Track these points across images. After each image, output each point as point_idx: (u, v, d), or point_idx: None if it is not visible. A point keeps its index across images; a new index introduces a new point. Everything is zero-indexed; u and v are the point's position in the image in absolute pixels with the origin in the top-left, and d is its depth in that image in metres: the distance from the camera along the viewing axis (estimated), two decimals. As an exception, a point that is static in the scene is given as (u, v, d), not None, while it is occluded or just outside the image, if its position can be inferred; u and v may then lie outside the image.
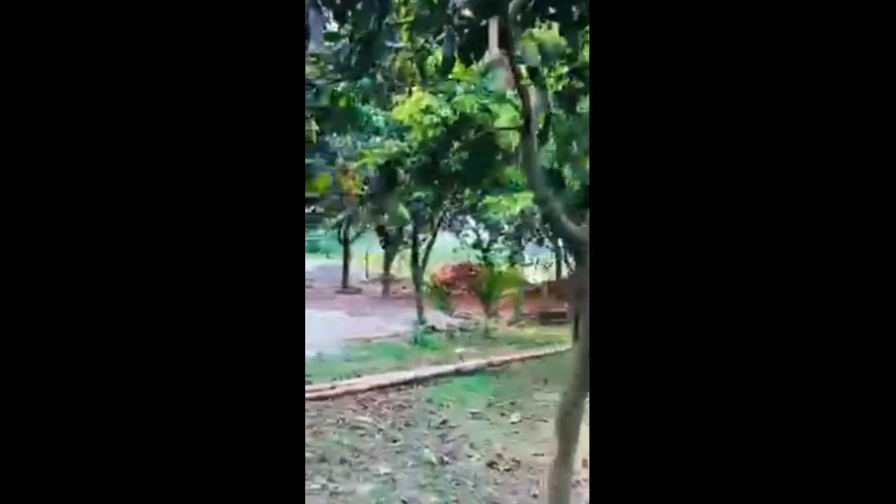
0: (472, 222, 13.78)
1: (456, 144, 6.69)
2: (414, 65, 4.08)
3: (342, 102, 3.82)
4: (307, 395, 5.35)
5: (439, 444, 4.36)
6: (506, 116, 6.72)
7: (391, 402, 5.43)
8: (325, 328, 8.56)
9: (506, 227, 14.58)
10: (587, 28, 2.46)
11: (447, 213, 9.22)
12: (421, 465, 3.93)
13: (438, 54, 3.21)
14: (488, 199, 8.09)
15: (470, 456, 4.13)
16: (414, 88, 6.41)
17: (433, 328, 9.19)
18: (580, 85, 3.15)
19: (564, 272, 12.72)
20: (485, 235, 14.74)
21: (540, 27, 2.89)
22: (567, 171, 5.64)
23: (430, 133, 7.10)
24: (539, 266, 14.30)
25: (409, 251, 11.64)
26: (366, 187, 6.32)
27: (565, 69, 3.28)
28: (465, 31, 2.27)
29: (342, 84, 3.89)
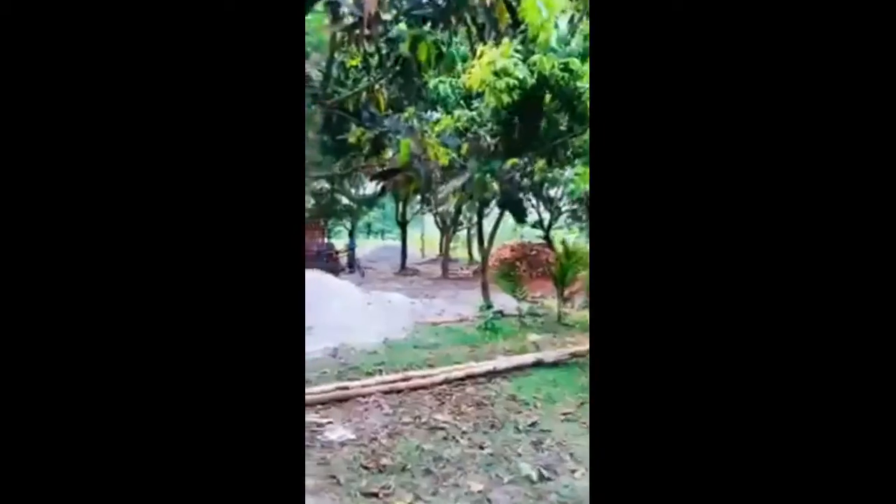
0: (532, 200, 13.00)
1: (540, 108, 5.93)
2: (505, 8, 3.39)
3: (423, 50, 3.18)
4: (379, 387, 4.85)
5: (534, 454, 3.76)
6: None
7: (470, 398, 4.86)
8: (390, 311, 8.11)
9: (567, 205, 13.72)
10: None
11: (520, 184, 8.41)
12: (519, 482, 3.34)
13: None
14: (578, 167, 7.28)
15: (573, 471, 3.50)
16: (493, 46, 5.68)
17: (501, 313, 8.56)
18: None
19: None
20: (545, 215, 13.92)
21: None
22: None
23: (506, 99, 6.38)
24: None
25: (461, 233, 10.99)
26: (455, 154, 5.67)
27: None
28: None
29: (424, 28, 3.25)
